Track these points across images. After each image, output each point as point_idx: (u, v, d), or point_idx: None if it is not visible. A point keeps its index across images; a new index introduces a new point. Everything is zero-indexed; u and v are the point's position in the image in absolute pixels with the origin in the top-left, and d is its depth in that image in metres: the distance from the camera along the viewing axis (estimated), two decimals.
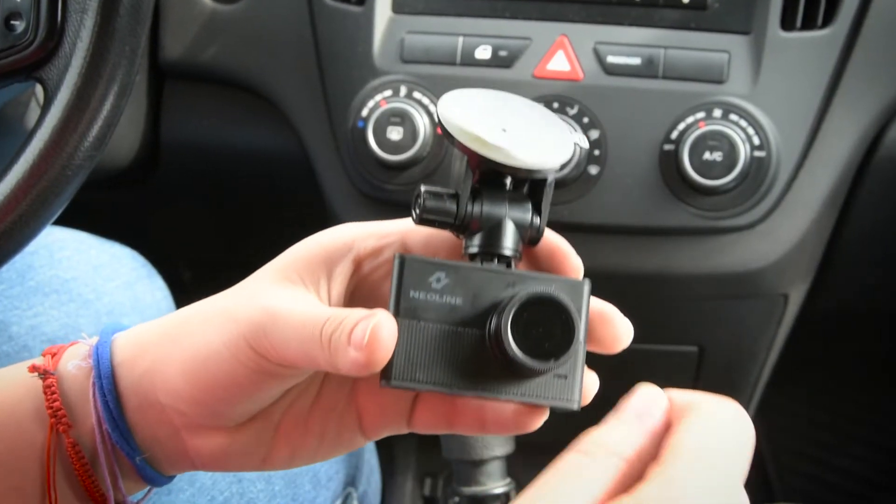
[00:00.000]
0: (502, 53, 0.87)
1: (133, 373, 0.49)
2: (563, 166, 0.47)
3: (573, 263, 0.48)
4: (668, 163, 0.84)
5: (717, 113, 0.84)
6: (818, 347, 1.38)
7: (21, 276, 0.77)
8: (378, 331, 0.43)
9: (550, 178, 0.47)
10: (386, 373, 0.44)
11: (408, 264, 0.45)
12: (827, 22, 0.86)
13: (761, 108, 0.84)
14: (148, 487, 0.52)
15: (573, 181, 0.85)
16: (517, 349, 0.42)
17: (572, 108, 0.85)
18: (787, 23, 0.86)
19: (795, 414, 1.43)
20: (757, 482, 1.37)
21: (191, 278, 1.29)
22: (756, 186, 0.84)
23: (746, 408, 1.08)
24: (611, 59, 0.86)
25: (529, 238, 0.47)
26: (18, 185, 0.52)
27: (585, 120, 0.85)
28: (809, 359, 1.39)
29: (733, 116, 0.83)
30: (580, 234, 0.88)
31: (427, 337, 0.45)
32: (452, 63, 0.87)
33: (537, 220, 0.47)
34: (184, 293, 0.96)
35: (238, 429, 0.49)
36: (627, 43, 0.86)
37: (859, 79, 0.86)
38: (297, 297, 0.47)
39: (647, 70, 0.86)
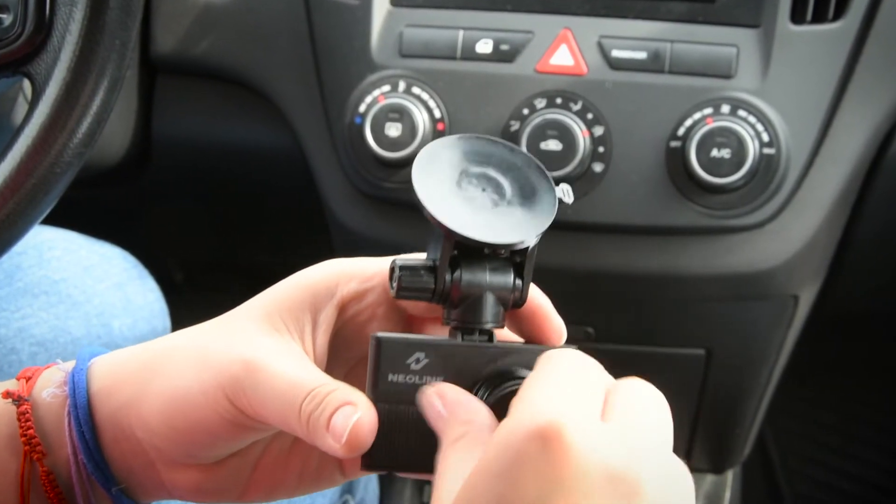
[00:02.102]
0: (504, 47, 0.87)
1: (110, 404, 0.49)
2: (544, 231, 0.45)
3: (555, 325, 0.48)
4: (675, 160, 0.84)
5: (726, 109, 0.83)
6: (829, 350, 1.38)
7: (9, 277, 0.77)
8: (359, 427, 0.43)
9: (532, 245, 0.45)
10: (366, 458, 0.45)
11: (384, 346, 0.44)
12: (838, 15, 0.86)
13: (771, 104, 0.84)
14: None
15: (577, 179, 0.85)
16: None
17: (576, 103, 0.85)
18: (797, 16, 0.86)
19: (805, 418, 1.43)
20: (766, 488, 1.37)
21: (183, 279, 1.29)
22: (765, 184, 0.84)
23: (755, 412, 1.08)
24: (616, 53, 0.86)
25: (513, 302, 0.46)
26: (5, 183, 0.52)
27: (590, 116, 0.85)
28: (820, 361, 1.39)
29: (742, 112, 0.83)
30: (584, 233, 0.88)
31: (408, 421, 0.44)
32: (453, 57, 0.87)
33: (520, 283, 0.46)
34: (176, 294, 0.96)
35: (215, 466, 0.49)
36: (633, 36, 0.86)
37: (871, 73, 0.86)
38: (281, 350, 0.46)
39: (653, 64, 0.85)
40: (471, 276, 0.45)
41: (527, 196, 0.46)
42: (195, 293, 1.24)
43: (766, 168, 0.83)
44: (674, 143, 0.84)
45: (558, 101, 0.85)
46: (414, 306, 0.48)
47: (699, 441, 1.12)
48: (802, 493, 1.37)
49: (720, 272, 0.89)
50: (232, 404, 0.46)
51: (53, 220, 0.65)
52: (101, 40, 0.53)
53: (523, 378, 0.43)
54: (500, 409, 0.42)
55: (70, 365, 0.51)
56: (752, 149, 0.82)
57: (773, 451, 1.39)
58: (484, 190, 0.45)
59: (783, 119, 0.84)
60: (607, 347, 0.98)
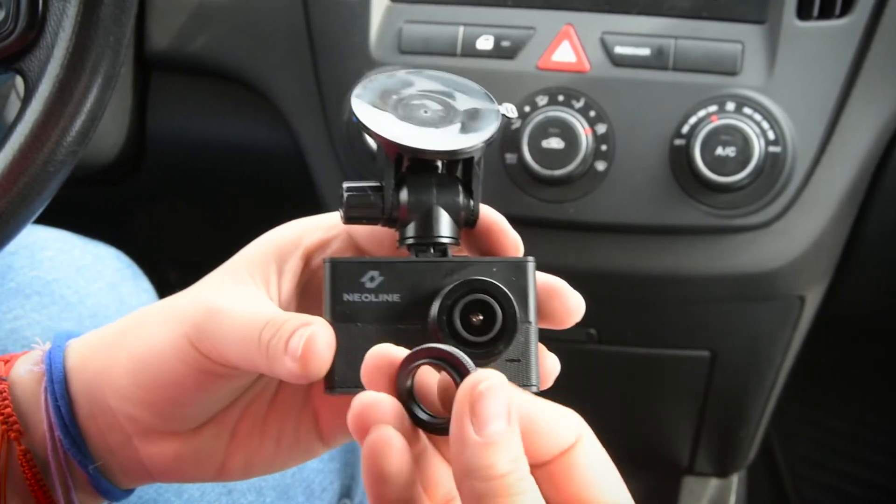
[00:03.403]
0: (505, 44, 0.87)
1: (84, 376, 0.50)
2: (489, 142, 0.46)
3: (511, 239, 0.48)
4: (679, 158, 0.84)
5: (730, 106, 0.83)
6: (836, 352, 1.38)
7: (0, 278, 0.77)
8: (313, 341, 0.43)
9: (478, 156, 0.46)
10: (329, 380, 0.45)
11: (338, 267, 0.45)
12: (845, 10, 0.86)
13: (776, 101, 0.84)
14: (105, 503, 0.52)
15: (579, 177, 0.85)
16: (456, 345, 0.43)
17: (578, 101, 0.85)
18: (803, 11, 0.86)
19: (812, 422, 1.43)
20: (771, 492, 1.37)
21: (177, 279, 1.29)
22: (771, 183, 0.84)
23: (761, 415, 1.08)
24: (619, 49, 0.86)
25: (465, 220, 0.47)
26: None
27: (592, 113, 0.85)
28: (827, 364, 1.39)
29: (747, 110, 0.83)
30: (586, 233, 0.88)
31: (367, 339, 0.45)
32: (453, 54, 0.87)
33: (471, 202, 0.47)
34: (170, 294, 0.96)
35: (192, 434, 0.50)
36: (636, 33, 0.86)
37: (879, 70, 0.86)
38: (243, 295, 0.47)
39: (657, 61, 0.85)
40: (417, 193, 0.46)
41: (469, 114, 0.47)
42: None
43: (772, 166, 0.83)
44: (678, 142, 0.84)
45: (560, 98, 0.85)
46: (377, 247, 0.49)
47: (703, 444, 1.12)
48: (809, 497, 1.37)
49: (725, 272, 0.89)
50: (196, 350, 0.47)
51: (46, 219, 0.65)
52: (95, 37, 0.53)
53: (491, 284, 0.43)
54: (465, 319, 0.43)
55: (48, 345, 0.52)
56: (757, 147, 0.82)
57: (778, 455, 1.39)
58: (425, 112, 0.46)
59: (789, 117, 0.84)
60: (610, 349, 0.98)
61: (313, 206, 0.95)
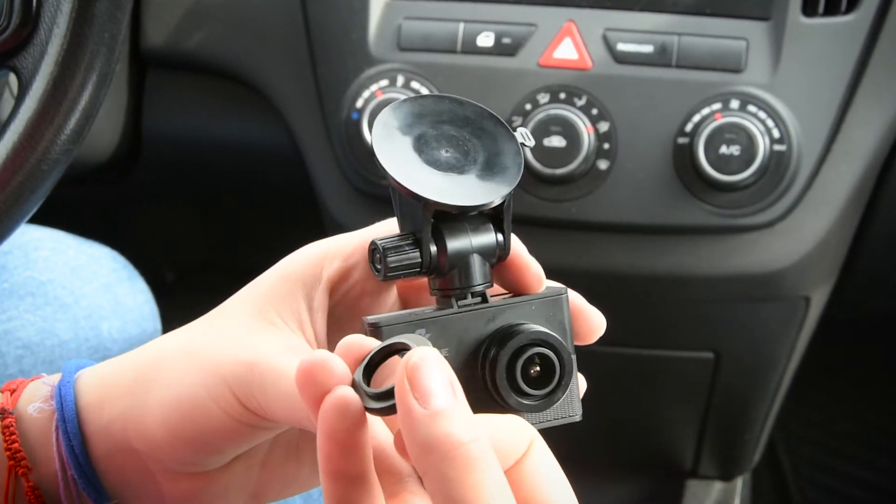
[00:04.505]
0: (506, 41, 0.87)
1: (101, 417, 0.49)
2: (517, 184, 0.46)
3: (533, 272, 0.47)
4: (683, 157, 0.84)
5: (735, 104, 0.83)
6: (841, 353, 1.38)
7: None
8: None
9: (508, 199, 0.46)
10: None
11: (385, 332, 0.44)
12: (851, 7, 0.86)
13: (781, 99, 0.84)
14: None
15: (581, 176, 0.85)
16: (519, 400, 0.44)
17: (580, 98, 0.85)
18: (808, 8, 0.86)
19: (817, 424, 1.43)
20: (776, 495, 1.37)
21: (174, 280, 1.29)
22: (776, 182, 0.84)
23: (765, 418, 1.08)
24: (621, 46, 0.86)
25: (498, 258, 0.47)
26: None
27: (594, 111, 0.85)
28: (832, 365, 1.39)
29: (751, 108, 0.83)
30: (588, 232, 0.88)
31: None
32: (453, 51, 0.87)
33: (502, 239, 0.46)
34: (167, 295, 0.96)
35: (218, 472, 0.49)
36: (639, 29, 0.86)
37: (885, 67, 0.86)
38: (282, 344, 0.46)
39: (660, 58, 0.85)
40: (456, 242, 0.45)
41: (489, 148, 0.46)
42: (186, 294, 1.24)
43: (777, 165, 0.83)
44: (681, 140, 0.84)
45: (562, 96, 0.85)
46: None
47: (707, 447, 1.12)
48: (814, 500, 1.37)
49: (729, 273, 0.89)
50: (243, 406, 0.46)
51: (40, 218, 0.65)
52: (90, 33, 0.53)
53: (526, 329, 0.44)
54: (511, 364, 0.44)
55: (56, 378, 0.50)
56: (762, 145, 0.82)
57: (783, 458, 1.39)
58: (447, 151, 0.45)
59: (794, 115, 0.84)
60: (612, 350, 0.98)
61: (311, 205, 0.95)
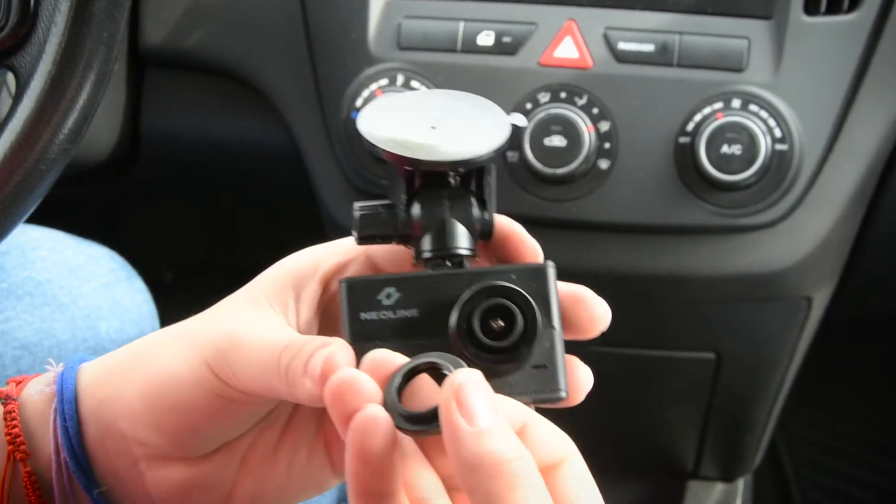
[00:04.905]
0: (506, 40, 0.87)
1: (94, 398, 0.50)
2: (499, 150, 0.46)
3: (530, 247, 0.48)
4: (684, 156, 0.84)
5: (736, 103, 0.83)
6: (843, 354, 1.38)
7: None
8: (332, 361, 0.43)
9: (489, 165, 0.47)
10: None
11: (354, 287, 0.45)
12: (853, 6, 0.86)
13: (783, 98, 0.84)
14: None
15: (582, 176, 0.85)
16: (477, 352, 0.43)
17: (581, 97, 0.85)
18: (810, 7, 0.86)
19: (818, 425, 1.43)
20: (777, 497, 1.37)
21: (173, 280, 1.29)
22: (777, 182, 0.84)
23: (767, 419, 1.08)
24: (622, 45, 0.86)
25: (480, 232, 0.47)
26: None
27: (595, 111, 0.85)
28: (834, 366, 1.39)
29: (753, 107, 0.83)
30: (589, 232, 0.88)
31: None
32: (453, 50, 0.87)
33: (485, 214, 0.47)
34: (165, 295, 0.96)
35: (201, 460, 0.49)
36: (640, 28, 0.86)
37: (887, 66, 0.86)
38: (263, 321, 0.47)
39: (661, 57, 0.85)
40: (429, 207, 0.46)
41: (479, 121, 0.47)
42: (185, 294, 1.24)
43: (779, 165, 0.83)
44: (682, 139, 0.84)
45: (563, 95, 0.85)
46: (396, 268, 0.49)
47: (708, 448, 1.12)
48: (815, 501, 1.37)
49: (730, 273, 0.89)
50: (216, 376, 0.46)
51: (38, 218, 0.65)
52: (88, 32, 0.53)
53: (509, 288, 0.43)
54: (486, 326, 0.43)
55: (61, 367, 0.52)
56: (763, 145, 0.82)
57: (785, 459, 1.39)
58: (434, 127, 0.46)
59: (796, 114, 0.84)
60: (613, 351, 0.98)
61: (311, 204, 0.95)
